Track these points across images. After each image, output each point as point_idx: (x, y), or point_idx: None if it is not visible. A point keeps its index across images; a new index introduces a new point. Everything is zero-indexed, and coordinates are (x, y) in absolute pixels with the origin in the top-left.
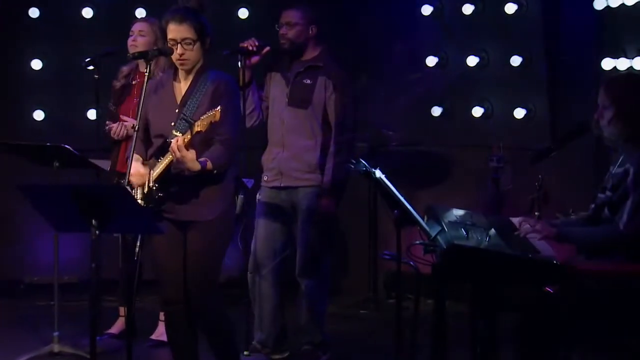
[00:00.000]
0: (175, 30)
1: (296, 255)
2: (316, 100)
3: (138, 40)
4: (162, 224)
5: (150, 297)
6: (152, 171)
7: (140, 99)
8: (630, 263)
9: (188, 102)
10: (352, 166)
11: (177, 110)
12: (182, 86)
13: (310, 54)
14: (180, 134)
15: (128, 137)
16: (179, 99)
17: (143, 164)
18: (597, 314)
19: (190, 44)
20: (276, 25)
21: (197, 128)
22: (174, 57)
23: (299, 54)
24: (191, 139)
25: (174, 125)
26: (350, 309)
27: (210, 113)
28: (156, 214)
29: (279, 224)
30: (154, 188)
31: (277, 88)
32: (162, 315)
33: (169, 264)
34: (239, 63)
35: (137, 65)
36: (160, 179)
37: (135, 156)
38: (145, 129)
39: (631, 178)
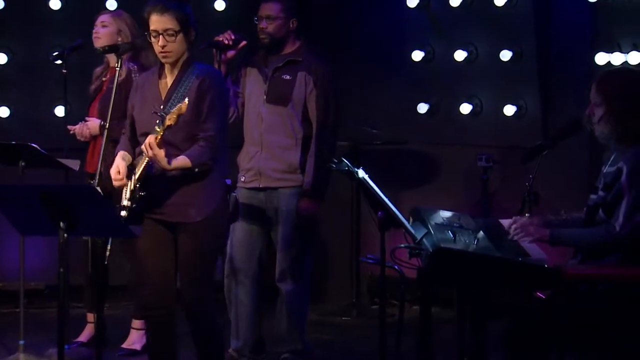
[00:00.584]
0: (157, 21)
1: (275, 260)
2: (296, 96)
3: (100, 32)
4: (137, 227)
5: (122, 304)
6: (136, 170)
7: (112, 94)
8: (625, 266)
9: (172, 98)
10: (334, 166)
11: (161, 107)
12: (167, 81)
13: (290, 48)
14: (156, 132)
15: (95, 137)
16: (163, 94)
17: (129, 166)
18: (591, 320)
19: (172, 35)
20: (255, 19)
21: (167, 122)
22: (157, 49)
23: (279, 48)
24: (163, 135)
25: (156, 113)
26: (332, 315)
27: (178, 105)
28: (140, 214)
29: (257, 226)
30: (137, 187)
31: (254, 84)
32: (134, 323)
33: (153, 267)
34: (215, 57)
35: (108, 62)
36: (142, 178)
37: (122, 154)
38: (132, 126)
39: (625, 177)
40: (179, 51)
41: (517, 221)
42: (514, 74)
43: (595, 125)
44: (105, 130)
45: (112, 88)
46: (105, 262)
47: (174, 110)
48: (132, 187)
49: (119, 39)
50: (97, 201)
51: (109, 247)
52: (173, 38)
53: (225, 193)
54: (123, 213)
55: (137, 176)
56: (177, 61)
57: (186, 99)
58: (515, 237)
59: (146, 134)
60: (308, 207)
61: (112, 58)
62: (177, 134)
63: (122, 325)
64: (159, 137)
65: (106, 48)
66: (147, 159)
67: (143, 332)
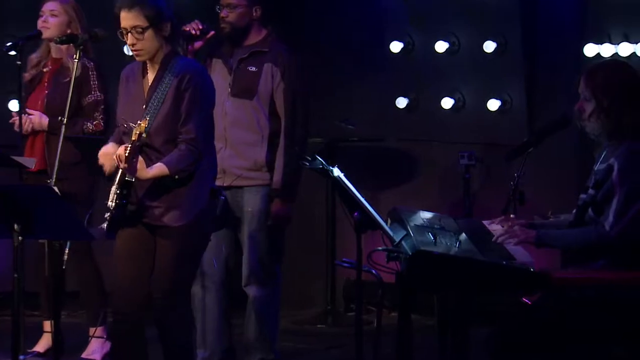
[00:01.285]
0: (124, 18)
1: (242, 263)
2: (262, 89)
3: (50, 21)
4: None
5: (80, 311)
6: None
7: (63, 88)
8: (615, 269)
9: (153, 97)
10: (307, 164)
11: (144, 107)
12: (149, 78)
13: (254, 37)
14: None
15: (36, 132)
16: (146, 92)
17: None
18: (580, 328)
19: (141, 32)
20: (217, 7)
21: (133, 137)
22: (129, 47)
23: (242, 38)
24: (133, 147)
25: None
26: (306, 323)
27: (138, 124)
28: (122, 217)
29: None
30: (117, 192)
31: (218, 76)
32: (91, 331)
33: (124, 272)
34: (180, 48)
35: (49, 51)
36: (122, 182)
37: (113, 144)
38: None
39: (616, 174)
40: (151, 48)
41: (502, 222)
42: (498, 67)
43: (585, 122)
44: (63, 127)
45: (62, 82)
46: (63, 267)
47: (135, 127)
48: (114, 190)
49: (69, 30)
50: (54, 202)
51: (66, 251)
52: (142, 35)
53: (212, 196)
54: (107, 215)
55: (116, 180)
56: (154, 57)
57: (147, 118)
58: (500, 239)
59: (128, 135)
60: (279, 208)
61: (54, 48)
62: (156, 137)
63: (81, 334)
64: (129, 148)
65: (64, 38)
66: None
67: (103, 341)
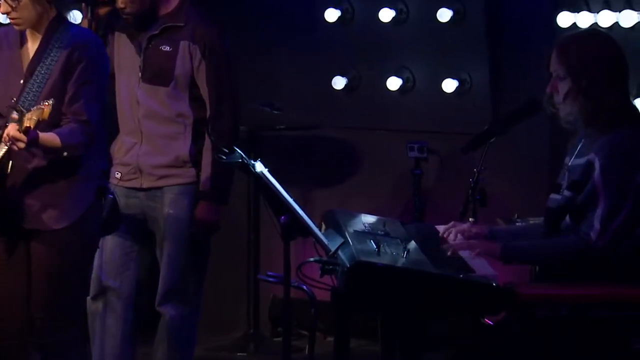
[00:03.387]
0: None
1: (159, 278)
2: (180, 72)
3: None
4: None
5: None
6: None
7: None
8: (595, 284)
9: (36, 72)
10: (224, 157)
11: (22, 82)
12: (29, 48)
13: (164, 8)
14: (16, 122)
15: None
16: (25, 65)
17: None
18: (550, 351)
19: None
20: None
21: (26, 123)
22: None
23: (150, 15)
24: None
25: (16, 101)
26: (224, 350)
27: (39, 107)
28: None
29: (134, 234)
30: None
31: (125, 55)
32: None
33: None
34: (83, 14)
35: None
36: None
37: None
38: None
39: (598, 174)
40: (30, 16)
41: (456, 228)
42: (455, 40)
43: (560, 106)
44: None
45: None
46: None
47: (35, 111)
48: None
49: None
50: None
51: None
52: (16, 2)
53: (99, 195)
54: None
55: None
56: (36, 25)
57: (51, 100)
58: (456, 249)
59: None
60: (206, 211)
61: None
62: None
63: None
64: (23, 131)
65: None
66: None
67: None
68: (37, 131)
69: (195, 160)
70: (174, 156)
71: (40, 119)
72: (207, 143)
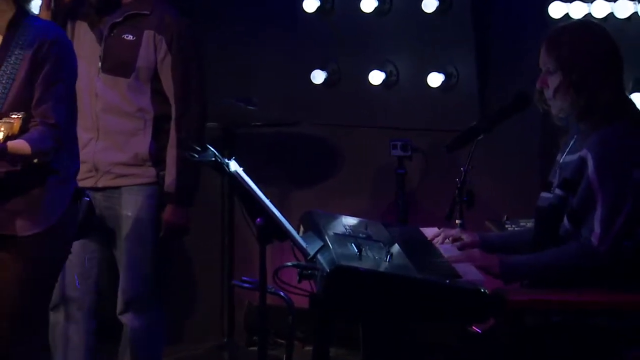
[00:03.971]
0: None
1: (118, 286)
2: (142, 63)
3: None
4: None
5: None
6: None
7: None
8: (587, 290)
9: (0, 73)
10: (196, 156)
11: None
12: None
13: None
14: None
15: None
16: None
17: None
18: None
19: None
20: None
21: None
22: None
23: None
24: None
25: None
26: None
27: (8, 121)
28: None
29: (92, 239)
30: None
31: (85, 44)
32: None
33: None
34: (44, 4)
35: None
36: None
37: None
38: None
39: (593, 173)
40: None
41: (447, 234)
42: (441, 31)
43: (550, 102)
44: None
45: None
46: None
47: (4, 124)
48: None
49: None
50: None
51: None
52: None
53: (75, 198)
54: None
55: None
56: None
57: (21, 114)
58: (456, 262)
59: None
60: (175, 215)
61: None
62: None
63: None
64: None
65: None
66: None
67: None
68: (5, 143)
69: (155, 159)
70: (132, 153)
71: (10, 134)
72: (172, 141)
